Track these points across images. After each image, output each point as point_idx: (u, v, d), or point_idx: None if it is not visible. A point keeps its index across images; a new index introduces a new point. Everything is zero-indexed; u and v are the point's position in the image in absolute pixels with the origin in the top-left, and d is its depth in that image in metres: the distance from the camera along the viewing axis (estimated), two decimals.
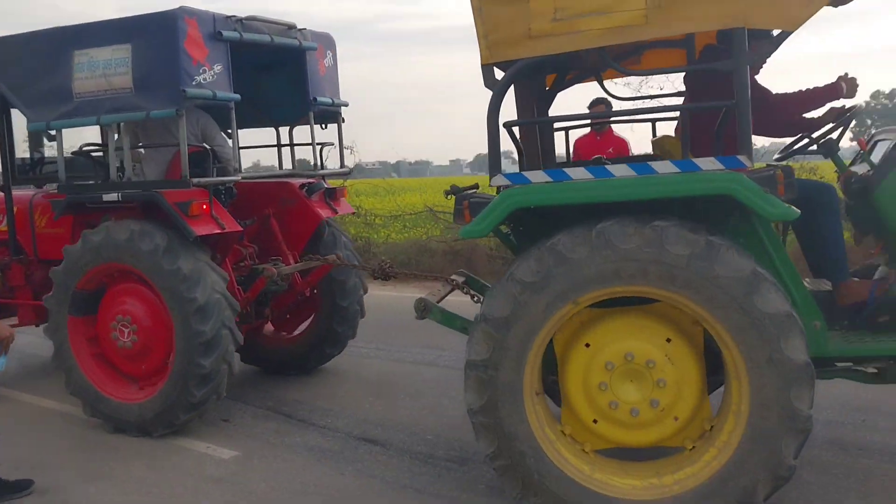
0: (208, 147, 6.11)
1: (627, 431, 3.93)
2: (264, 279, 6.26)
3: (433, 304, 4.78)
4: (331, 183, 7.14)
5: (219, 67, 5.66)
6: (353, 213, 13.57)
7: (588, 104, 9.02)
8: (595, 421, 3.95)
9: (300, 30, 6.48)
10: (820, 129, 4.54)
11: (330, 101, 6.81)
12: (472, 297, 5.09)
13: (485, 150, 4.26)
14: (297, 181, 6.93)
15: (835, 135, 4.51)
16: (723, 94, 4.06)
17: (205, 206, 5.66)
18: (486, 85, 4.08)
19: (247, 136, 7.11)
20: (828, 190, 4.43)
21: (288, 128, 7.30)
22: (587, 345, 3.94)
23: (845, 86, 4.45)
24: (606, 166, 3.95)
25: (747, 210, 3.72)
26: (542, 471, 3.87)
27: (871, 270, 4.62)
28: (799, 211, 3.68)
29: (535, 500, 3.91)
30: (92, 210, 6.05)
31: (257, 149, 7.62)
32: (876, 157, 4.47)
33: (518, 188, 3.93)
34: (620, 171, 3.84)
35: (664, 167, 3.77)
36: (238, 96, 5.80)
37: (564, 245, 3.74)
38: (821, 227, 4.32)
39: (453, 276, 5.42)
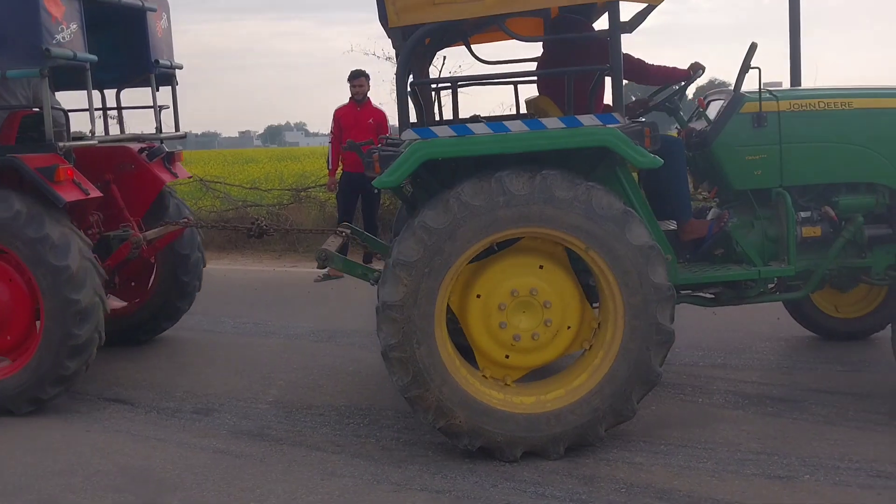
0: (38, 109, 5.71)
1: (536, 354, 4.47)
2: (129, 245, 6.20)
3: (333, 254, 5.15)
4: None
5: (74, 26, 5.41)
6: (191, 178, 13.25)
7: (348, 77, 9.53)
8: (507, 357, 4.47)
9: None
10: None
11: (169, 63, 6.74)
12: (366, 248, 5.39)
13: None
14: (136, 145, 6.73)
15: (678, 97, 5.39)
16: (581, 59, 4.91)
17: (69, 172, 5.43)
18: (394, 47, 4.43)
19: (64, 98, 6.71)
20: (676, 142, 5.14)
21: (115, 90, 7.08)
22: (478, 296, 4.43)
23: (692, 71, 5.25)
24: (504, 122, 4.44)
25: (620, 159, 4.36)
26: (452, 397, 4.31)
27: (706, 212, 5.48)
28: (662, 160, 4.30)
29: (443, 422, 4.33)
30: None
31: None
32: (711, 114, 5.25)
33: (426, 141, 4.29)
34: (515, 126, 4.35)
35: (553, 123, 4.35)
36: (95, 57, 5.58)
37: (466, 192, 4.18)
38: (669, 174, 4.96)
39: (339, 229, 5.75)
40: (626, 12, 4.67)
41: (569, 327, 4.47)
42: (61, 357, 5.32)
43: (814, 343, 6.32)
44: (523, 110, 5.91)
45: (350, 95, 9.58)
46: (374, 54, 13.65)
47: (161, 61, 6.61)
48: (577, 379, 4.43)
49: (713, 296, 5.19)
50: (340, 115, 9.63)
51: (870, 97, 5.18)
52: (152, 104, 6.68)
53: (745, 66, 4.95)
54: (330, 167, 10.03)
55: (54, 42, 5.21)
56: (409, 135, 4.41)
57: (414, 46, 4.47)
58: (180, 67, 6.93)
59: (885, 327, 5.67)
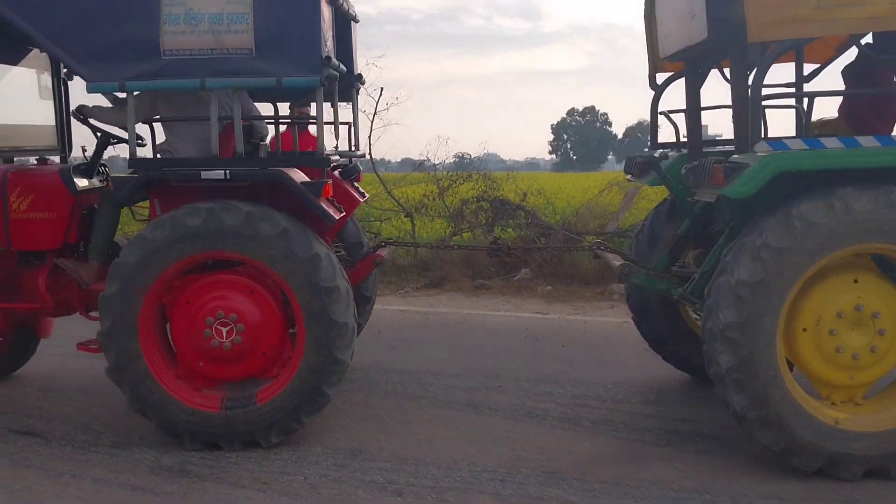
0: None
1: (878, 366, 4.48)
2: (372, 265, 6.14)
3: (636, 267, 5.41)
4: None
5: (329, 34, 5.07)
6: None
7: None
8: (851, 378, 4.48)
9: None
10: None
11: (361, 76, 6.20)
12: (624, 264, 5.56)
13: None
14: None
15: None
16: (876, 82, 5.08)
17: (329, 189, 5.09)
18: (754, 62, 4.52)
19: None
20: None
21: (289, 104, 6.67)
22: (804, 329, 4.45)
23: None
24: (855, 138, 4.46)
25: None
26: (793, 417, 4.34)
27: None
28: None
29: (783, 442, 4.37)
30: (158, 191, 5.15)
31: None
32: None
33: (781, 154, 4.34)
34: (865, 142, 4.39)
35: (868, 141, 4.42)
36: (345, 68, 5.30)
37: (809, 211, 4.23)
38: None
39: (595, 248, 6.30)
40: None
41: None
42: (321, 384, 4.93)
43: None
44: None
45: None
46: None
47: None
48: None
49: None
50: (284, 138, 9.42)
51: None
52: (353, 120, 6.15)
53: None
54: None
55: (326, 50, 4.88)
56: (763, 146, 4.45)
57: (772, 61, 4.61)
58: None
59: None
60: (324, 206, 4.96)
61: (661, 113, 6.13)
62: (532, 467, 4.69)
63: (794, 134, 5.62)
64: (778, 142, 4.51)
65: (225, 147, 5.19)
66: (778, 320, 4.33)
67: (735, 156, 4.69)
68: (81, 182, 5.64)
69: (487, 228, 11.82)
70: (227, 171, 4.89)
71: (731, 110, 5.00)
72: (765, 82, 4.59)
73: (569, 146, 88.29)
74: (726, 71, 5.55)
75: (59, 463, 4.89)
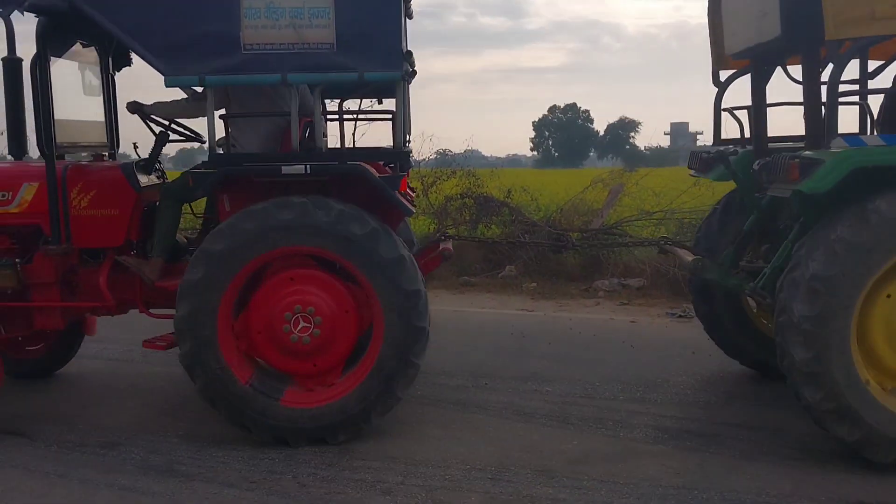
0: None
1: None
2: (442, 260, 6.00)
3: (709, 263, 5.55)
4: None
5: (405, 29, 5.05)
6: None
7: None
8: None
9: None
10: None
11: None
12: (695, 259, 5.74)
13: None
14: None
15: None
16: None
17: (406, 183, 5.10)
18: (831, 59, 4.54)
19: None
20: None
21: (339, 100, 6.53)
22: (888, 296, 4.46)
23: None
24: None
25: None
26: (868, 410, 4.39)
27: None
28: None
29: (858, 434, 4.39)
30: (234, 187, 5.12)
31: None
32: None
33: (858, 149, 4.38)
34: None
35: None
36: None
37: (886, 206, 4.28)
38: None
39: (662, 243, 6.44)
40: None
41: None
42: (393, 386, 4.95)
43: (728, 378, 6.44)
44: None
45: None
46: None
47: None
48: None
49: None
50: None
51: None
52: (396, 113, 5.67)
53: None
54: None
55: (405, 45, 4.84)
56: (839, 143, 4.47)
57: (850, 59, 4.66)
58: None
59: None
60: (404, 201, 5.00)
61: (724, 109, 6.17)
62: (522, 466, 4.69)
63: (856, 131, 5.70)
64: (854, 138, 4.57)
65: (285, 143, 5.23)
66: (852, 314, 4.37)
67: (809, 152, 4.72)
68: (142, 179, 5.60)
69: (472, 225, 11.81)
70: (308, 166, 4.87)
71: (787, 108, 5.18)
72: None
73: (550, 143, 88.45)
74: (790, 69, 5.66)
75: (46, 463, 4.84)
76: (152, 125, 5.71)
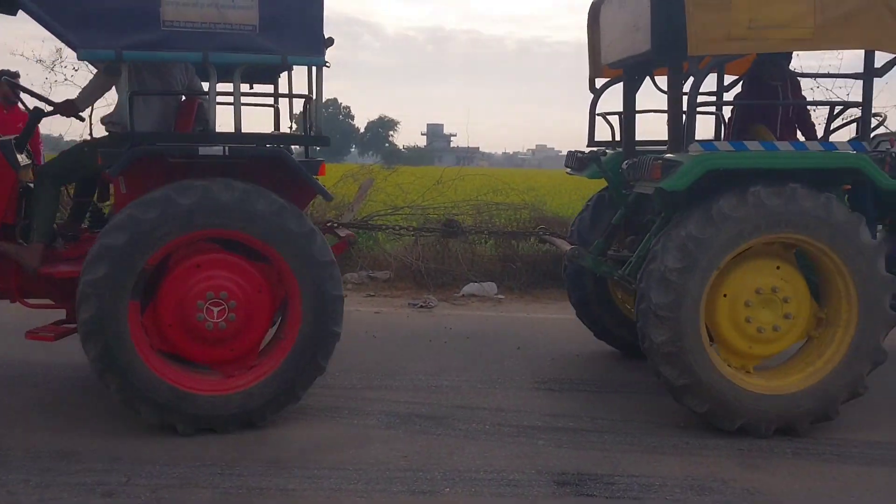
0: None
1: (775, 344, 5.22)
2: (346, 244, 6.07)
3: (585, 252, 6.04)
4: None
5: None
6: None
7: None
8: (750, 347, 5.18)
9: None
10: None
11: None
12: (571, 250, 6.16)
13: None
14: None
15: None
16: (784, 94, 5.90)
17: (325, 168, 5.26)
18: (692, 72, 5.10)
19: None
20: None
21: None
22: (725, 295, 5.14)
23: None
24: (773, 142, 5.32)
25: (868, 180, 5.14)
26: (717, 384, 5.04)
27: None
28: None
29: (707, 406, 5.05)
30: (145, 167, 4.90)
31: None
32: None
33: (711, 153, 5.01)
34: (781, 146, 5.19)
35: (813, 146, 5.31)
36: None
37: (728, 205, 4.90)
38: None
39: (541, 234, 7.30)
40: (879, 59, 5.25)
41: (801, 320, 5.20)
42: (316, 357, 5.06)
43: (458, 364, 6.83)
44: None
45: None
46: (21, 55, 12.60)
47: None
48: (815, 364, 5.19)
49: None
50: None
51: None
52: (308, 96, 5.47)
53: None
54: None
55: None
56: (696, 147, 5.08)
57: (708, 72, 5.38)
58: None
59: None
60: (321, 185, 5.16)
61: (598, 114, 6.82)
62: (254, 459, 4.69)
63: (711, 137, 6.53)
64: (709, 143, 5.23)
65: (183, 125, 5.35)
66: (701, 301, 4.99)
67: (670, 154, 5.34)
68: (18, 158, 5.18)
69: None
70: (226, 148, 4.85)
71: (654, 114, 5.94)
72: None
73: None
74: (658, 80, 6.38)
75: None
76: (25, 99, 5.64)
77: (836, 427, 5.32)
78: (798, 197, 4.99)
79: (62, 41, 4.77)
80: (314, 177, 5.18)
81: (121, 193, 5.14)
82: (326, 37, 4.98)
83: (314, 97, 5.27)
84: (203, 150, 4.86)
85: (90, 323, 4.70)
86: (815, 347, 5.31)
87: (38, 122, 5.61)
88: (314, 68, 5.15)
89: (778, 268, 5.23)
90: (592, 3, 6.64)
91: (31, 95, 5.71)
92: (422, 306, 9.15)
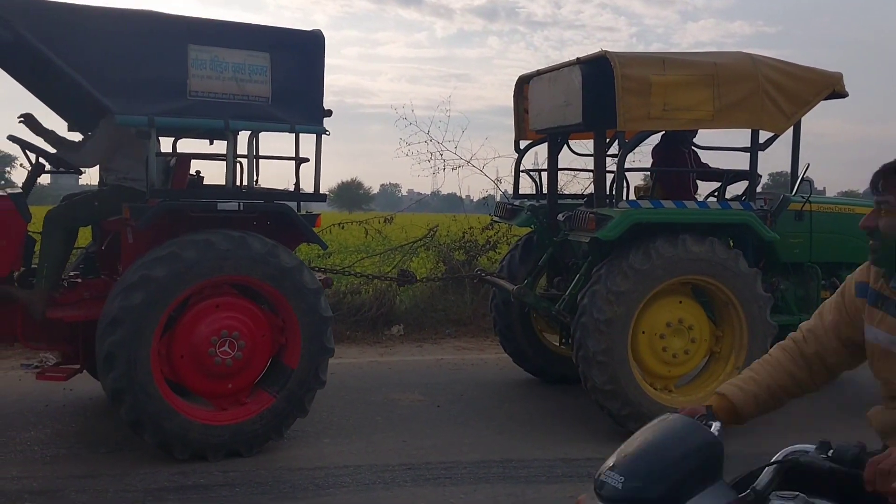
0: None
1: (687, 364, 6.20)
2: (325, 287, 6.31)
3: (529, 291, 6.79)
4: None
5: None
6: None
7: None
8: (669, 370, 6.20)
9: None
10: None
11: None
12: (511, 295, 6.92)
13: None
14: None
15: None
16: (683, 162, 6.94)
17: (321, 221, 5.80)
18: (620, 145, 6.20)
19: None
20: None
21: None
22: (643, 332, 6.03)
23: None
24: (681, 201, 6.26)
25: (754, 233, 6.19)
26: (636, 394, 5.91)
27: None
28: (777, 235, 6.35)
29: (627, 410, 5.85)
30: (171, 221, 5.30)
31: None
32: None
33: (636, 210, 5.96)
34: (688, 205, 6.23)
35: (713, 205, 6.39)
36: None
37: (662, 248, 5.86)
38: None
39: (481, 274, 7.99)
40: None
41: (704, 341, 6.14)
42: (303, 398, 5.46)
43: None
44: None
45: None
46: None
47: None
48: (724, 372, 6.08)
49: None
50: None
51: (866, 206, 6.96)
52: (295, 157, 5.85)
53: (801, 178, 6.68)
54: None
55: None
56: (624, 205, 6.01)
57: (635, 146, 6.80)
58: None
59: None
60: (319, 237, 5.67)
61: (523, 171, 7.82)
62: None
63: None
64: (634, 202, 6.18)
65: (178, 181, 5.83)
66: (631, 321, 5.86)
67: (603, 209, 6.18)
68: None
69: None
70: (241, 204, 5.30)
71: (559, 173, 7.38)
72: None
73: None
74: (572, 143, 7.60)
75: None
76: (30, 155, 5.73)
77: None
78: (716, 247, 5.96)
79: (99, 105, 5.02)
80: (311, 228, 5.67)
81: (128, 243, 5.44)
82: (326, 108, 5.58)
83: (314, 160, 5.76)
84: (221, 206, 5.28)
85: (118, 345, 4.89)
86: (718, 361, 6.29)
87: (40, 175, 5.89)
88: (315, 135, 5.69)
89: (680, 302, 6.16)
90: (519, 77, 7.62)
91: (35, 153, 5.79)
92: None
